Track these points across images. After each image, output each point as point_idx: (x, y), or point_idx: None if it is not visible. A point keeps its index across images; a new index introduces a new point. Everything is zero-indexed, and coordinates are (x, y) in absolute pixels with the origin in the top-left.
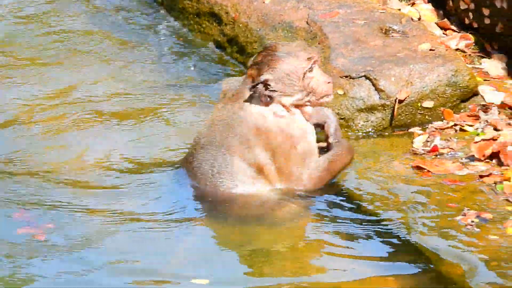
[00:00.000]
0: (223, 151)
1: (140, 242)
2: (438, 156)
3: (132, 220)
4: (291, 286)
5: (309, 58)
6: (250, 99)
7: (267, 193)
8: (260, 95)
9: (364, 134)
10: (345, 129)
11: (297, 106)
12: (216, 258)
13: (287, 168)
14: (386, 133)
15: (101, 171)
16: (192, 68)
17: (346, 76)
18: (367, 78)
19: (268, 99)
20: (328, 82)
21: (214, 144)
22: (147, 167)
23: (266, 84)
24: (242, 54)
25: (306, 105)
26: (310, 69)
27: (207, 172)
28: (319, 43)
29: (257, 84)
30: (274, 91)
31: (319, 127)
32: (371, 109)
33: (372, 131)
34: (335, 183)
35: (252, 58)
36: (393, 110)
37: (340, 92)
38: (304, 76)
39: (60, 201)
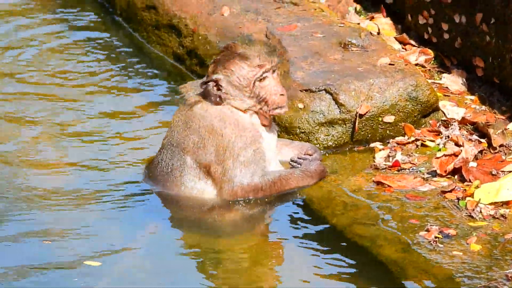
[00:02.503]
0: (179, 151)
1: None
2: (399, 172)
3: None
4: None
5: (260, 65)
6: (207, 98)
7: (214, 196)
8: (210, 94)
9: (325, 148)
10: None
11: (253, 112)
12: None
13: (233, 170)
14: (347, 148)
15: (59, 171)
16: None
17: (306, 90)
18: (327, 92)
19: (218, 99)
20: (281, 94)
21: (172, 144)
22: (111, 170)
23: (217, 84)
24: (201, 66)
25: (261, 113)
26: (262, 78)
27: (162, 172)
28: (278, 56)
29: (208, 82)
30: (225, 93)
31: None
32: (331, 123)
33: (333, 145)
34: (292, 194)
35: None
36: (354, 125)
37: (301, 105)
38: (254, 84)
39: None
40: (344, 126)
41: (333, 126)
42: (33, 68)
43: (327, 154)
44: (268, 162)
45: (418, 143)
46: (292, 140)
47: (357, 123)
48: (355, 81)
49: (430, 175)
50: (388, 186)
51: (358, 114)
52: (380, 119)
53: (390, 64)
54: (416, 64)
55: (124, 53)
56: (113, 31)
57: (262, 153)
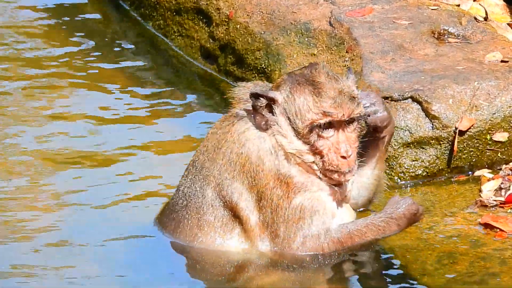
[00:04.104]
0: (200, 178)
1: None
2: None
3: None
4: None
5: (327, 112)
6: (252, 116)
7: (243, 250)
8: (256, 112)
9: (412, 178)
10: (387, 171)
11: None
12: None
13: (274, 224)
14: (443, 177)
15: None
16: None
17: (386, 98)
18: (414, 100)
19: (263, 124)
20: (343, 156)
21: (195, 166)
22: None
23: (271, 104)
24: (240, 66)
25: (312, 168)
26: (324, 126)
27: (177, 206)
28: (347, 52)
29: (261, 96)
30: (275, 122)
31: None
32: (421, 143)
33: (424, 174)
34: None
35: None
36: (452, 145)
37: None
38: (310, 129)
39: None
40: (439, 147)
41: (423, 148)
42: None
43: (414, 186)
44: (331, 214)
45: None
46: None
47: (456, 143)
48: (453, 85)
49: None
50: (500, 230)
51: (458, 131)
52: (488, 137)
53: (502, 61)
54: None
55: (132, 52)
56: (116, 21)
57: (317, 203)
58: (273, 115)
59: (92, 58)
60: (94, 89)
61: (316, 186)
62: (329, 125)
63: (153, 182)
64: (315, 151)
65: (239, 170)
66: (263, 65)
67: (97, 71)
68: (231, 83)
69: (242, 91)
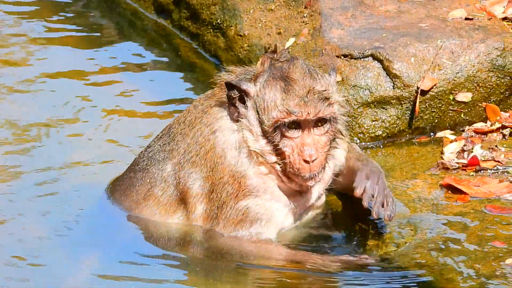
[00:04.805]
0: (167, 148)
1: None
2: (478, 173)
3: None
4: None
5: (290, 112)
6: (227, 106)
7: (181, 229)
8: (230, 102)
9: (372, 139)
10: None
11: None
12: None
13: (216, 219)
14: (404, 139)
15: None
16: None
17: (346, 55)
18: (375, 58)
19: (236, 115)
20: (305, 161)
21: (169, 135)
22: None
23: (243, 96)
24: (195, 21)
25: (275, 168)
26: (289, 126)
27: (139, 163)
28: (305, 7)
29: (235, 86)
30: (244, 115)
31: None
32: (381, 103)
33: (384, 134)
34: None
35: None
36: (413, 105)
37: (338, 78)
38: (274, 128)
39: None
40: (400, 107)
41: (383, 108)
42: None
43: (374, 148)
44: (275, 227)
45: (506, 131)
46: None
47: (418, 103)
48: (415, 43)
49: None
50: (462, 193)
51: (419, 90)
52: (451, 97)
53: (466, 19)
54: (504, 19)
55: (85, 5)
56: None
57: (264, 212)
58: (246, 108)
59: (40, 12)
60: (44, 43)
61: (270, 194)
62: (296, 125)
63: (100, 136)
64: (278, 152)
65: (202, 156)
66: (218, 20)
67: (46, 25)
68: (185, 37)
69: (228, 77)
